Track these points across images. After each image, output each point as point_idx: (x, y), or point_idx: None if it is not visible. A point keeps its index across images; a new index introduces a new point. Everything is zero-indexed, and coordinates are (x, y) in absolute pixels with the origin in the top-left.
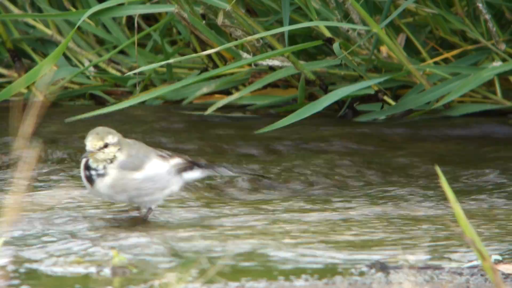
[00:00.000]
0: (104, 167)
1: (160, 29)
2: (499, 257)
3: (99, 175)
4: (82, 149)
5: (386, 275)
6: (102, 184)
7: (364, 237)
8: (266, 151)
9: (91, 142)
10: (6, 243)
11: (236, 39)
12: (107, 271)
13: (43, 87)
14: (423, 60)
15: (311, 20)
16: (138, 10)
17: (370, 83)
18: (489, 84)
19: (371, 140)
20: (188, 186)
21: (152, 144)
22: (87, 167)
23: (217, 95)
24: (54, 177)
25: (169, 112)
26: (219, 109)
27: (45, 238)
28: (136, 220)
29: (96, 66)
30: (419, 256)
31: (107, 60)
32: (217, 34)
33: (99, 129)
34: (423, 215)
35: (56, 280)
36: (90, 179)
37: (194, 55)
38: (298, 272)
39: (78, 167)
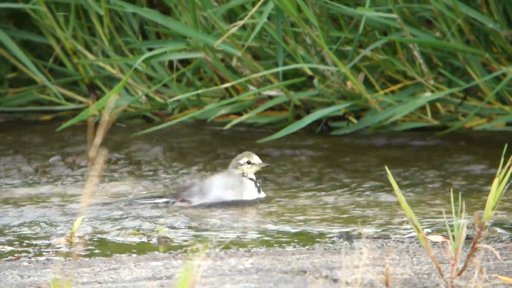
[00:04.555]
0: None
1: (191, 69)
2: (429, 230)
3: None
4: (133, 154)
5: (350, 243)
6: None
7: (334, 216)
8: (265, 155)
9: (256, 158)
10: (84, 221)
11: (245, 76)
12: (154, 240)
13: (110, 110)
14: (377, 91)
15: (298, 63)
16: (176, 56)
17: (339, 107)
18: (423, 108)
19: (341, 148)
20: None
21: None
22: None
23: (231, 115)
24: (116, 175)
25: (197, 128)
26: (233, 126)
27: (111, 217)
28: (176, 206)
29: (146, 95)
30: (373, 230)
31: (154, 91)
32: (232, 72)
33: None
34: (376, 201)
35: (119, 246)
36: (258, 188)
37: (215, 87)
38: (288, 241)
39: (133, 167)
